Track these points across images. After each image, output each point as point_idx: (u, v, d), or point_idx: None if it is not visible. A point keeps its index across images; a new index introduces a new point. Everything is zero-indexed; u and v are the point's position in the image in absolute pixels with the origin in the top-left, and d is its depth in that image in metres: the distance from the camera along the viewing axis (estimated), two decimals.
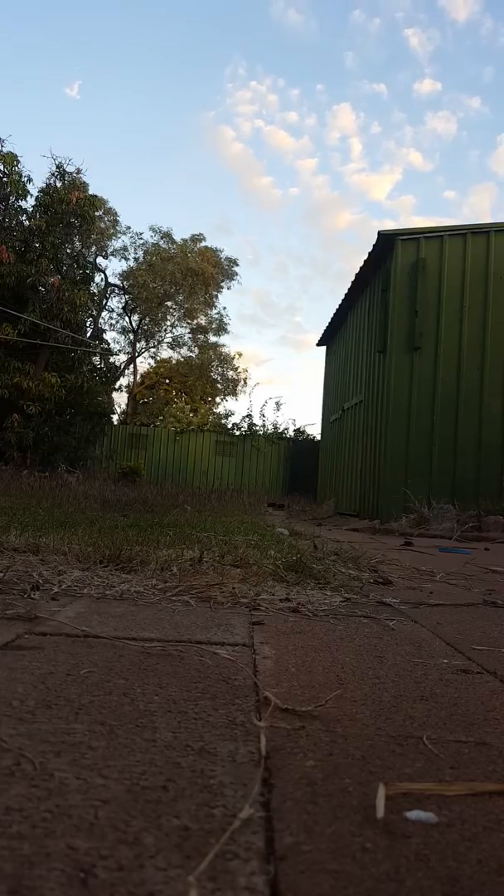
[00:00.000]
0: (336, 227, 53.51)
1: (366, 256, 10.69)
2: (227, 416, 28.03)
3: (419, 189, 63.13)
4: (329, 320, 14.72)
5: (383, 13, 47.84)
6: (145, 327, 28.54)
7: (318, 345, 16.51)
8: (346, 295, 12.70)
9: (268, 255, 52.37)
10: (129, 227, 28.21)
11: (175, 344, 29.73)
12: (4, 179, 17.01)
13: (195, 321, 28.64)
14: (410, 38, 47.75)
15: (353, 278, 11.82)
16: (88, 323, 21.75)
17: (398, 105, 55.24)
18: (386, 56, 52.89)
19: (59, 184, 17.78)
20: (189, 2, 49.30)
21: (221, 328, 29.24)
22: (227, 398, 31.34)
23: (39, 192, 17.72)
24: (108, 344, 25.22)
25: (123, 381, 28.77)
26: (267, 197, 50.84)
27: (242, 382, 30.23)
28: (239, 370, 30.39)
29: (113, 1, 48.06)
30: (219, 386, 30.81)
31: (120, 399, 28.90)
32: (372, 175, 55.57)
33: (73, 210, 17.46)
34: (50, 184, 17.81)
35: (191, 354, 29.95)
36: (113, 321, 28.41)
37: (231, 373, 30.40)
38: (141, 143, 52.20)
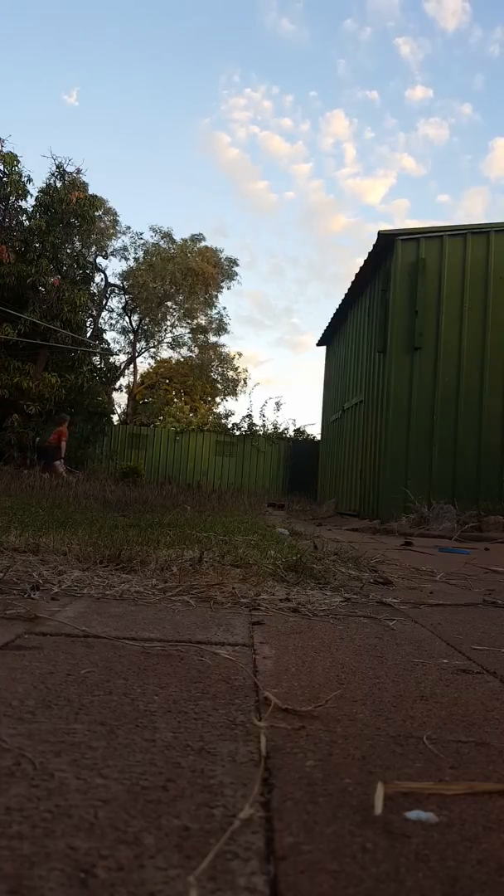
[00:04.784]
0: (331, 231, 53.78)
1: (365, 257, 10.69)
2: (227, 416, 28.08)
3: (413, 193, 63.57)
4: (329, 320, 14.72)
5: (374, 22, 48.36)
6: (145, 327, 28.53)
7: (318, 345, 16.51)
8: (345, 295, 12.70)
9: (264, 258, 52.63)
10: (129, 227, 28.25)
11: (175, 344, 29.75)
12: (4, 179, 17.01)
13: (195, 321, 28.64)
14: (401, 46, 48.32)
15: (352, 279, 11.82)
16: (88, 323, 21.76)
17: (391, 111, 55.74)
18: (377, 64, 53.39)
19: (59, 184, 17.79)
20: (184, 11, 49.61)
21: (221, 328, 29.25)
22: (227, 398, 31.37)
23: (39, 192, 17.73)
24: (108, 344, 25.23)
25: (123, 381, 28.79)
26: (263, 201, 51.10)
27: (242, 382, 30.25)
28: (239, 370, 30.42)
29: (109, 10, 48.31)
30: (219, 386, 30.81)
31: (120, 399, 28.92)
32: (366, 179, 55.99)
33: (73, 210, 17.46)
34: (50, 184, 17.82)
35: (191, 354, 29.96)
36: (113, 321, 28.43)
37: (231, 373, 30.41)
38: (139, 148, 52.71)
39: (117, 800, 0.83)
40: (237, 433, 20.16)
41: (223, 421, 25.37)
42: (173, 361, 30.88)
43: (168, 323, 28.80)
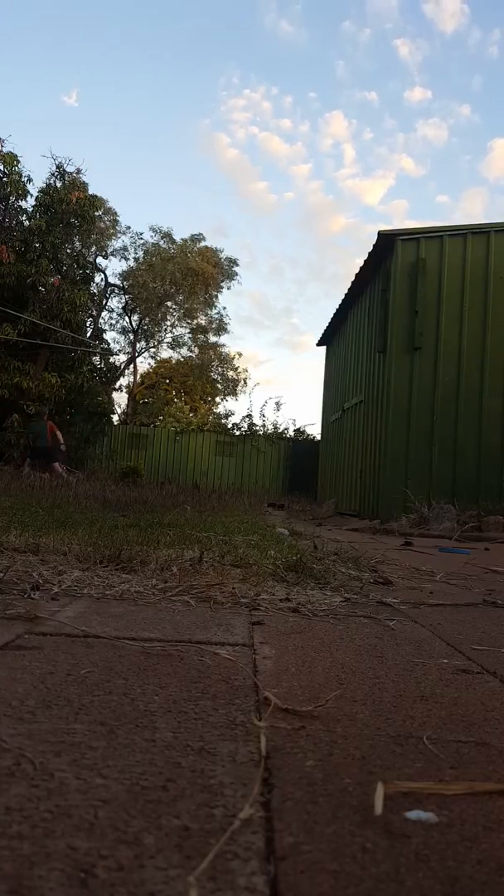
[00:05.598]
0: (331, 231, 53.94)
1: (365, 257, 10.69)
2: (227, 416, 28.11)
3: (412, 194, 63.81)
4: (329, 321, 14.72)
5: (373, 24, 48.56)
6: (145, 327, 28.52)
7: (319, 345, 16.51)
8: (345, 295, 12.69)
9: (264, 259, 52.79)
10: (129, 227, 28.26)
11: (175, 344, 29.75)
12: (4, 179, 17.00)
13: (195, 321, 28.64)
14: (400, 47, 48.61)
15: (352, 279, 11.82)
16: (88, 323, 21.75)
17: (389, 112, 55.96)
18: (376, 65, 53.58)
19: (59, 184, 17.79)
20: (184, 11, 49.76)
21: (221, 328, 29.25)
22: (227, 398, 31.38)
23: (39, 192, 17.73)
24: (108, 344, 25.22)
25: (123, 381, 28.79)
26: (262, 201, 51.26)
27: (242, 382, 30.25)
28: (239, 370, 30.43)
29: (109, 10, 48.43)
30: (219, 386, 30.82)
31: (120, 399, 28.93)
32: (365, 180, 56.20)
33: (73, 210, 17.46)
34: (50, 184, 17.81)
35: (191, 354, 29.96)
36: (113, 321, 28.43)
37: (231, 373, 30.42)
38: (139, 148, 52.89)
39: (117, 800, 0.83)
40: (237, 433, 20.15)
41: (223, 421, 25.39)
42: (173, 361, 30.89)
43: (168, 323, 28.82)
